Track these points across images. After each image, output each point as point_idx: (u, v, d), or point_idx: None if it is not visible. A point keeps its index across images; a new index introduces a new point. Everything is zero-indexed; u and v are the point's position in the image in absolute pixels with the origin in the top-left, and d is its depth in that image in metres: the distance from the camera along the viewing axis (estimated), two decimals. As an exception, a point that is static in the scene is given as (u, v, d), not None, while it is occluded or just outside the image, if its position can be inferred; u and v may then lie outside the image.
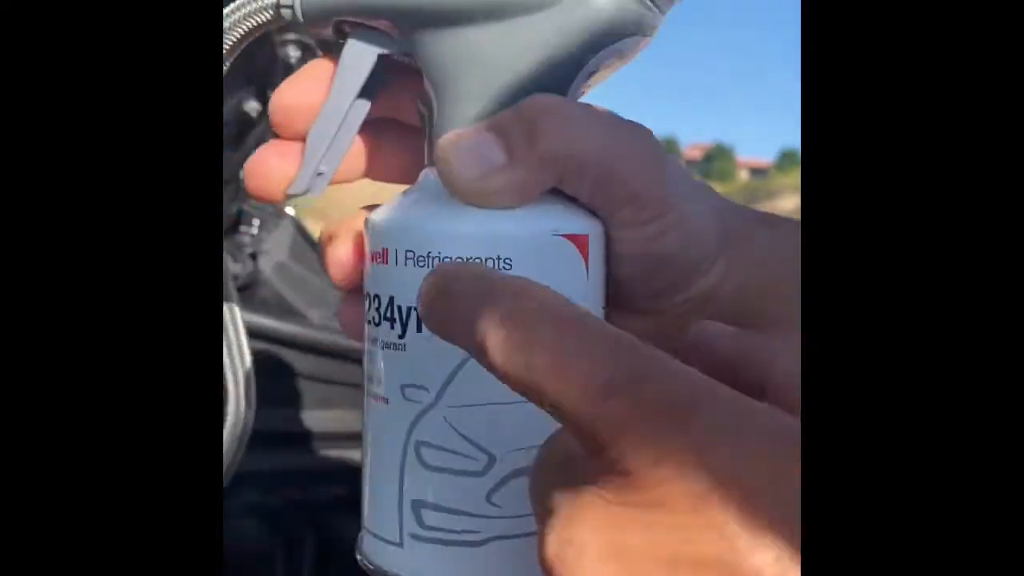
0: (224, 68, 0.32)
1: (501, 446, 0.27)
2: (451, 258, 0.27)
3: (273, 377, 0.71)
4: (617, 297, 0.31)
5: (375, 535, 0.30)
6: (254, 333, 0.74)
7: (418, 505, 0.28)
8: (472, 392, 0.27)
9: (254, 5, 0.31)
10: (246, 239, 0.80)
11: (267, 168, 0.31)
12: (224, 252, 0.78)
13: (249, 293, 0.79)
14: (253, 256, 0.81)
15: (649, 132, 0.30)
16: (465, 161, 0.27)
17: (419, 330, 0.27)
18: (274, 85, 0.74)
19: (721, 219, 0.31)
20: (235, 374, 0.42)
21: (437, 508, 0.28)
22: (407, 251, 0.28)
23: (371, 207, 0.33)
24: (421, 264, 0.27)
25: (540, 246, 0.28)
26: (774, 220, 0.33)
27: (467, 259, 0.27)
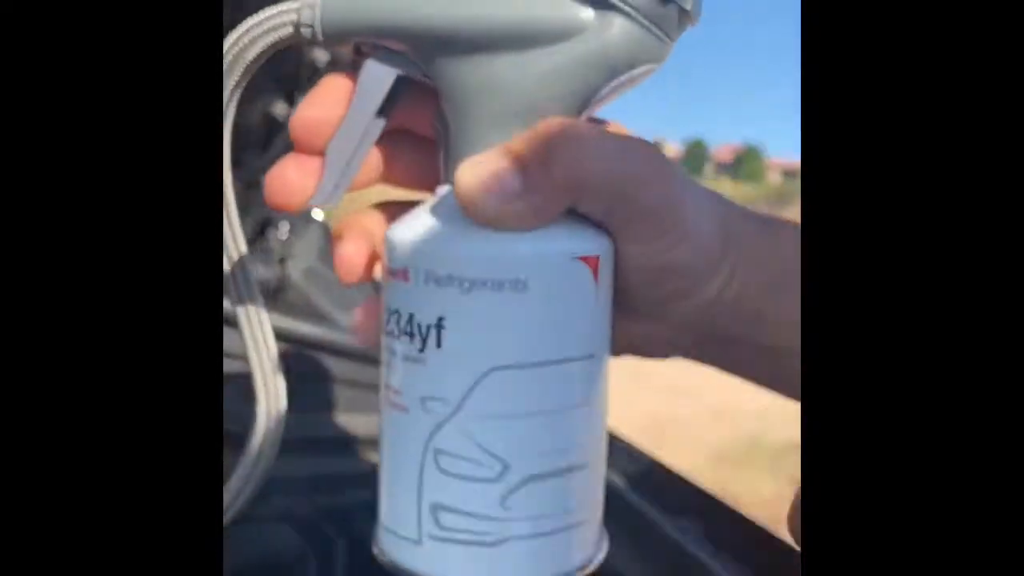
0: (244, 82, 0.33)
1: (514, 455, 0.29)
2: (469, 279, 0.28)
3: (303, 381, 0.70)
4: (624, 303, 0.32)
5: (393, 532, 0.31)
6: (283, 337, 0.74)
7: (436, 507, 0.30)
8: (487, 404, 0.29)
9: (274, 22, 0.31)
10: (275, 244, 0.80)
11: (286, 181, 0.32)
12: (253, 257, 0.78)
13: (278, 297, 0.79)
14: (282, 261, 0.81)
15: (658, 148, 0.31)
16: (483, 189, 0.28)
17: (439, 346, 0.29)
18: (302, 88, 0.74)
19: (725, 225, 0.32)
20: (264, 381, 0.42)
21: (454, 511, 0.29)
22: (427, 271, 0.29)
23: (380, 205, 0.35)
24: (441, 284, 0.29)
25: (555, 268, 0.29)
26: (776, 222, 0.34)
27: (485, 280, 0.28)
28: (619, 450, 0.71)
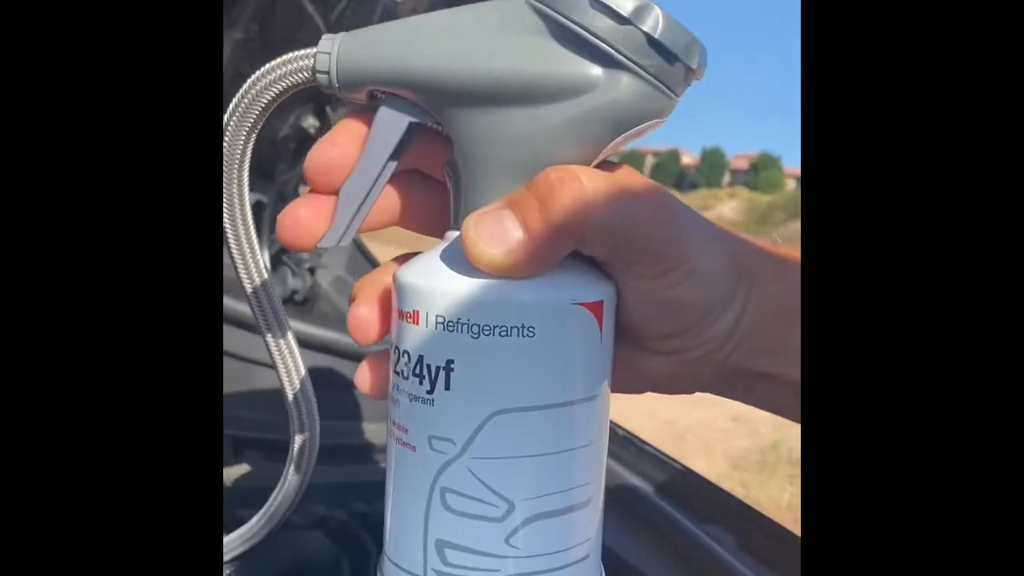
0: (260, 124, 0.34)
1: (519, 494, 0.30)
2: (479, 324, 0.29)
3: (334, 389, 0.71)
4: (635, 339, 0.33)
5: (398, 566, 0.32)
6: (314, 346, 0.75)
7: (442, 544, 0.30)
8: (494, 446, 0.30)
9: (291, 67, 0.32)
10: (304, 255, 0.81)
11: (299, 222, 0.33)
12: (283, 267, 0.79)
13: (308, 307, 0.80)
14: (311, 271, 0.82)
15: (660, 188, 0.32)
16: (487, 241, 0.29)
17: (447, 388, 0.30)
18: (332, 102, 0.75)
19: (736, 260, 0.33)
20: (294, 395, 0.43)
21: (460, 548, 0.30)
22: (438, 315, 0.30)
23: (400, 258, 0.35)
24: (451, 329, 0.29)
25: (561, 315, 0.30)
26: (784, 255, 0.35)
27: (493, 327, 0.29)
28: (647, 456, 0.71)
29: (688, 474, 0.69)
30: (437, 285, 0.30)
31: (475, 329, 0.29)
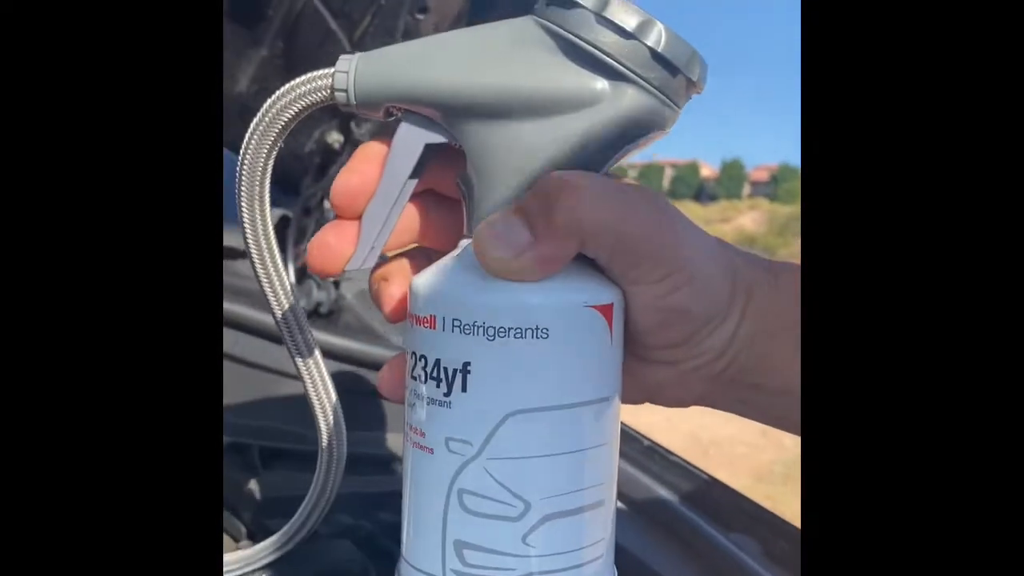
0: (280, 141, 0.35)
1: (535, 494, 0.31)
2: (495, 327, 0.30)
3: (359, 399, 0.72)
4: (636, 348, 0.34)
5: (417, 568, 0.32)
6: (339, 356, 0.76)
7: (460, 545, 0.31)
8: (510, 446, 0.30)
9: (311, 86, 0.34)
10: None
11: (327, 248, 0.34)
12: (308, 281, 0.80)
13: (333, 319, 0.81)
14: (336, 284, 0.83)
15: (661, 196, 0.33)
16: (496, 245, 0.30)
17: (464, 390, 0.30)
18: (356, 118, 0.76)
19: (733, 273, 0.34)
20: (321, 406, 0.43)
21: (478, 548, 0.31)
22: (454, 319, 0.31)
23: (414, 250, 0.37)
24: (467, 332, 0.30)
25: (573, 316, 0.31)
26: (781, 268, 0.35)
27: (508, 329, 0.30)
28: (673, 466, 0.71)
29: (713, 483, 0.69)
30: (452, 290, 0.31)
31: (491, 331, 0.30)
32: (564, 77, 0.31)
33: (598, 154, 0.32)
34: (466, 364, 0.30)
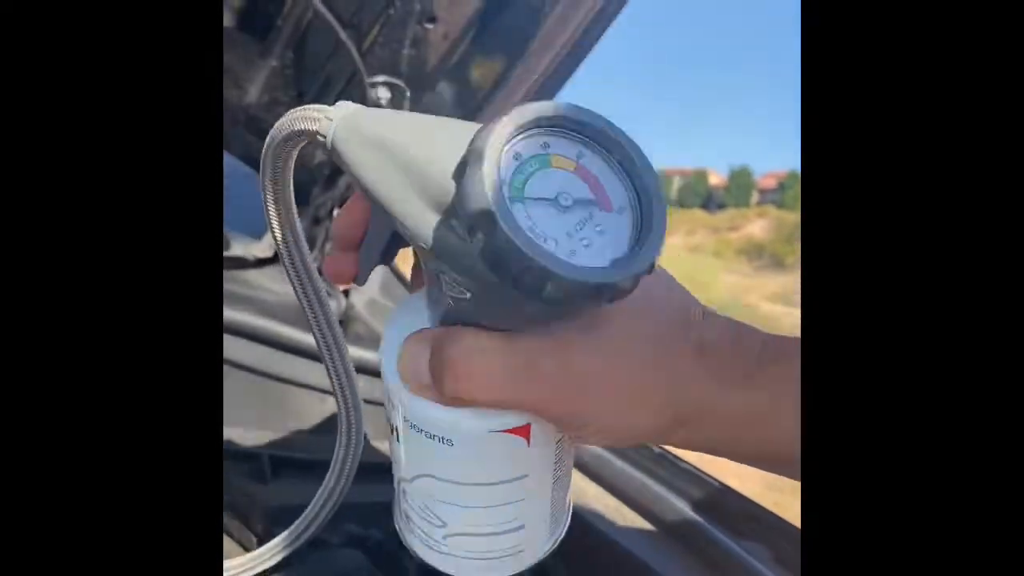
0: (294, 154, 0.37)
1: (449, 520, 0.35)
2: (411, 422, 0.33)
3: (367, 408, 0.72)
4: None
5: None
6: (350, 366, 0.76)
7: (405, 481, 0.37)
8: (427, 492, 0.35)
9: (297, 128, 0.34)
10: (339, 277, 0.82)
11: (336, 270, 0.37)
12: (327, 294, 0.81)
13: (343, 328, 0.81)
14: (346, 293, 0.83)
15: (576, 346, 0.31)
16: (407, 371, 0.32)
17: (398, 441, 0.34)
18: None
19: (675, 392, 0.32)
20: (346, 410, 0.44)
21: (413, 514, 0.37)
22: (389, 389, 0.34)
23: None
24: (394, 408, 0.34)
25: (477, 439, 0.32)
26: (742, 377, 0.32)
27: (420, 428, 0.33)
28: (683, 472, 0.71)
29: (724, 490, 0.69)
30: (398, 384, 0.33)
31: (409, 423, 0.33)
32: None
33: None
34: (395, 428, 0.34)
